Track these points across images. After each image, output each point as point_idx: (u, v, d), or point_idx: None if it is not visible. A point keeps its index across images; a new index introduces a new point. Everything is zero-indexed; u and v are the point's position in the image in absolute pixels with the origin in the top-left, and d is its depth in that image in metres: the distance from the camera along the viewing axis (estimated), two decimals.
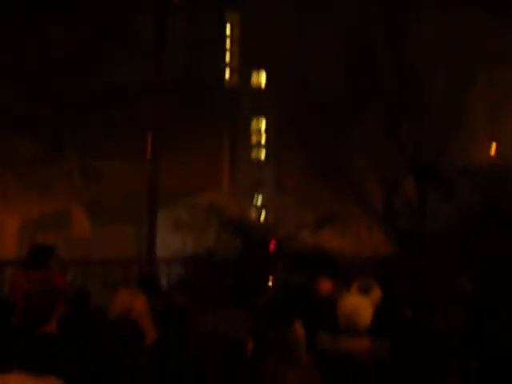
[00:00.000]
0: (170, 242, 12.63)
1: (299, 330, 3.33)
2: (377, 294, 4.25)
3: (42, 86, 11.09)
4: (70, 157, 12.78)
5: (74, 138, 12.55)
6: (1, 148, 12.76)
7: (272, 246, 12.12)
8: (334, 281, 4.55)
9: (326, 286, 4.36)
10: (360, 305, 3.72)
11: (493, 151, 17.15)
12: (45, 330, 3.48)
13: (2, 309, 4.90)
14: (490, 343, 3.74)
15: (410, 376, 2.36)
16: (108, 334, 3.70)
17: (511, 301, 4.53)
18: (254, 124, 34.48)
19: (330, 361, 3.29)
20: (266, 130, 29.10)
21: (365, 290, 4.23)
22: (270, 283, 7.86)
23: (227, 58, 28.19)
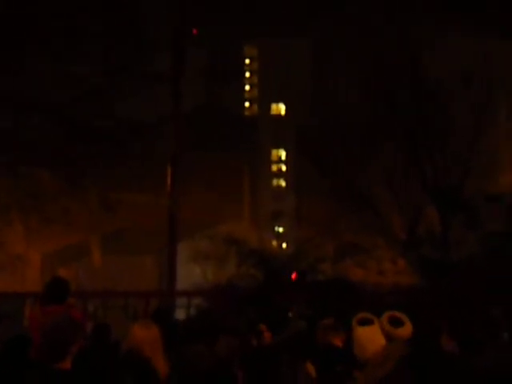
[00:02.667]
0: (190, 274, 12.56)
1: (310, 369, 3.24)
2: (409, 328, 4.06)
3: (66, 121, 11.30)
4: (90, 190, 12.90)
5: (95, 172, 12.70)
6: (25, 183, 12.96)
7: (293, 277, 11.96)
8: (347, 309, 4.40)
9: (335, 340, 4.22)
10: (365, 336, 3.60)
11: None
12: (59, 366, 3.42)
13: (22, 343, 4.86)
14: None
15: None
16: (120, 370, 3.62)
17: None
18: (274, 154, 34.56)
19: None
20: (286, 160, 29.15)
21: (396, 324, 4.04)
22: (290, 315, 7.70)
23: (247, 90, 28.41)
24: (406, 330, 4.02)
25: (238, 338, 1.71)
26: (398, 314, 4.24)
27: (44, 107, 11.29)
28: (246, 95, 41.44)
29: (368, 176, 14.25)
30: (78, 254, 18.40)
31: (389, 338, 3.73)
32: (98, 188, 13.00)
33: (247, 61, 42.13)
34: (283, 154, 41.22)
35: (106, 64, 11.37)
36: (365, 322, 4.19)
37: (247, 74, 42.24)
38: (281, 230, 35.30)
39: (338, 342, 4.14)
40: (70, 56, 10.47)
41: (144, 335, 3.73)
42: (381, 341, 3.59)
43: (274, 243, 31.28)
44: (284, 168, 40.97)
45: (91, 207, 13.13)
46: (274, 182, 40.37)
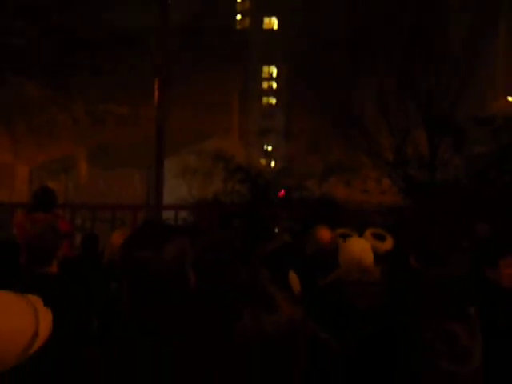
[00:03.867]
0: (178, 189, 12.67)
1: (294, 278, 3.33)
2: (390, 242, 4.23)
3: (52, 28, 10.90)
4: (77, 100, 12.68)
5: (81, 82, 12.42)
6: (11, 93, 12.68)
7: (280, 194, 12.12)
8: (334, 229, 4.50)
9: (324, 234, 4.29)
10: (367, 248, 3.70)
11: (508, 101, 16.78)
12: (46, 270, 3.51)
13: (10, 249, 4.96)
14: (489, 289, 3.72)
15: (405, 319, 2.33)
16: (104, 276, 3.73)
17: None
18: (265, 71, 33.78)
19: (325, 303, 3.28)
20: (277, 77, 28.60)
21: (379, 238, 4.20)
22: (276, 230, 7.88)
23: (239, 1, 27.31)
24: (388, 243, 4.19)
25: (188, 237, 1.72)
26: (379, 230, 4.39)
27: (29, 11, 10.85)
28: (238, 7, 39.76)
29: (359, 96, 14.12)
30: (67, 167, 18.37)
31: (373, 250, 3.88)
32: (85, 98, 12.78)
33: None
34: (274, 71, 40.25)
35: None
36: (345, 237, 4.33)
37: None
38: (270, 148, 35.21)
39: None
40: None
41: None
42: (369, 252, 3.71)
43: (263, 161, 31.32)
44: (275, 85, 40.16)
45: (78, 118, 12.97)
46: (265, 99, 39.71)
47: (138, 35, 11.60)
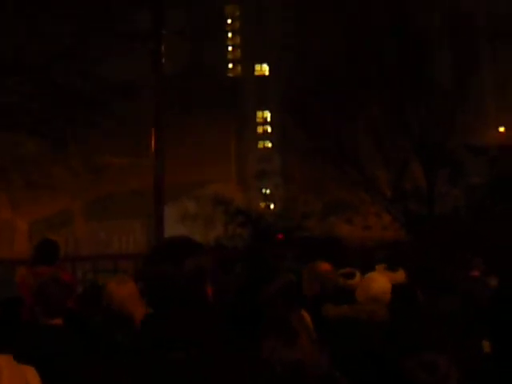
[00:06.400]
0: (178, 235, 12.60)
1: (307, 317, 3.31)
2: (402, 274, 4.27)
3: (43, 83, 11.08)
4: (73, 153, 12.79)
5: (76, 135, 12.56)
6: (6, 150, 12.79)
7: (280, 235, 12.09)
8: (338, 268, 4.48)
9: (325, 266, 4.27)
10: (387, 287, 3.72)
11: (501, 132, 16.97)
12: (51, 322, 3.47)
13: (13, 305, 4.89)
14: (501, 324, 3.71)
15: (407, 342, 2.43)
16: (109, 328, 3.69)
17: None
18: (259, 115, 34.32)
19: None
20: (272, 121, 28.96)
21: (392, 269, 4.23)
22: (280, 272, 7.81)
23: (230, 51, 27.89)
24: (401, 274, 4.21)
25: (208, 254, 1.74)
26: (390, 264, 4.41)
27: (19, 69, 11.05)
28: (229, 56, 40.71)
29: (353, 133, 14.26)
30: (66, 220, 18.37)
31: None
32: (81, 151, 12.88)
33: (229, 21, 41.23)
34: (268, 116, 40.88)
35: (81, 23, 11.08)
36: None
37: (229, 35, 41.38)
38: (268, 191, 35.39)
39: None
40: (44, 17, 10.21)
41: (122, 292, 3.77)
42: (386, 283, 3.74)
43: (262, 204, 31.42)
44: (270, 129, 40.71)
45: (75, 171, 13.04)
46: (260, 143, 40.18)
47: (130, 86, 11.80)
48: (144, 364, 1.69)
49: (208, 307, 1.83)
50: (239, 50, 40.24)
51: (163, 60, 9.89)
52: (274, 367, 2.28)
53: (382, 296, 3.63)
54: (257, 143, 39.34)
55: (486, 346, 3.57)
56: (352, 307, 3.61)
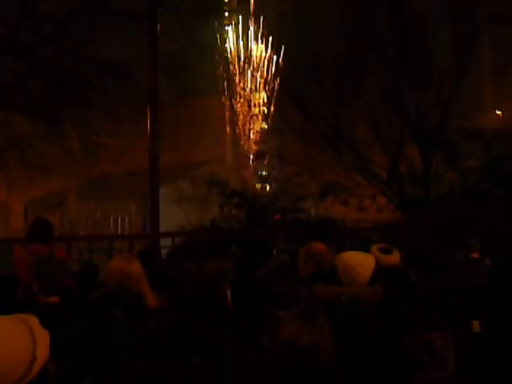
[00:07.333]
0: (174, 216, 12.65)
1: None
2: (396, 256, 4.31)
3: (38, 62, 10.97)
4: (69, 134, 12.72)
5: (72, 115, 12.48)
6: (1, 129, 12.71)
7: (276, 216, 12.13)
8: (329, 245, 4.51)
9: (319, 246, 4.31)
10: (364, 262, 3.75)
11: (497, 115, 16.96)
12: (49, 300, 3.49)
13: (8, 283, 4.92)
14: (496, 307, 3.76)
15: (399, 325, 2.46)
16: (112, 303, 3.69)
17: None
18: (256, 96, 34.18)
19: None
20: (268, 102, 28.79)
21: (386, 252, 4.27)
22: (274, 253, 7.85)
23: (226, 30, 27.67)
24: (394, 257, 4.25)
25: (229, 256, 1.77)
26: (385, 244, 4.45)
27: (15, 48, 10.93)
28: (225, 35, 40.31)
29: (349, 115, 14.24)
30: (61, 200, 18.36)
31: (379, 264, 3.95)
32: (76, 131, 12.82)
33: None
34: (264, 97, 40.68)
35: (75, 1, 10.93)
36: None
37: (226, 14, 40.94)
38: (264, 172, 35.34)
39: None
40: None
41: (132, 268, 3.79)
42: (372, 265, 3.77)
43: (258, 185, 31.42)
44: (266, 111, 40.54)
45: (70, 151, 12.99)
46: (257, 124, 40.02)
47: (124, 65, 11.70)
48: (160, 368, 1.70)
49: (226, 310, 1.85)
50: (235, 30, 39.90)
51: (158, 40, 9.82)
52: (287, 356, 2.33)
53: (360, 277, 3.65)
54: (253, 124, 39.22)
55: (476, 325, 3.63)
56: (335, 288, 3.64)
